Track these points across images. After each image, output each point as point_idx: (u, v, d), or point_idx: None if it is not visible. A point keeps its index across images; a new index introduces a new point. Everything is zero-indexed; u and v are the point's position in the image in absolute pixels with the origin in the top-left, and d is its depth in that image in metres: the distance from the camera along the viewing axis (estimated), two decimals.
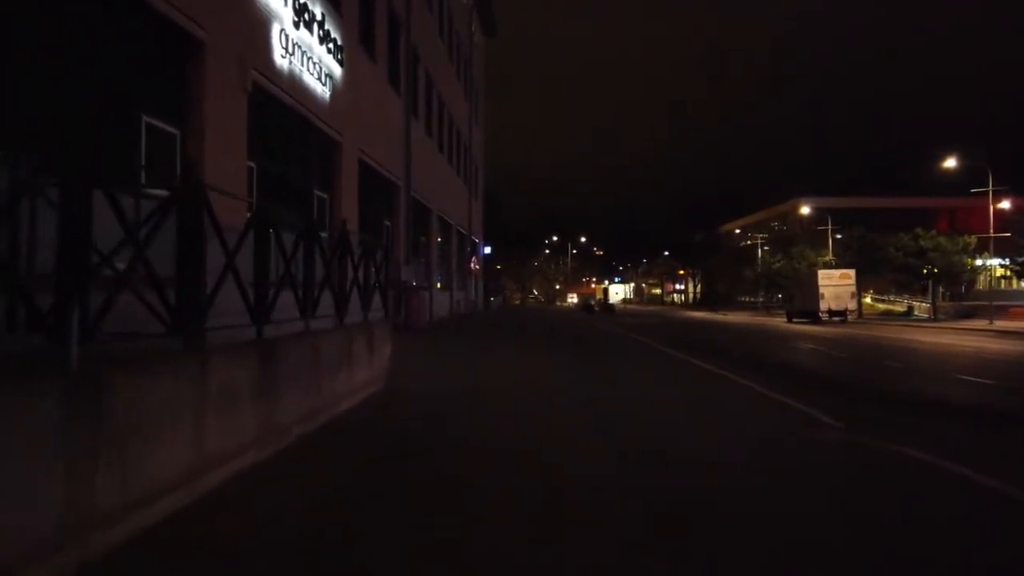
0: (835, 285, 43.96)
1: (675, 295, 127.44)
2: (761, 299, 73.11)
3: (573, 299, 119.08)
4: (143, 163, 8.07)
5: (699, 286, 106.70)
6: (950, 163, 39.59)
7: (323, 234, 9.56)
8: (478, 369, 11.69)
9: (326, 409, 6.69)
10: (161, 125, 8.51)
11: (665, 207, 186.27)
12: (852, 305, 44.16)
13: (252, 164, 10.88)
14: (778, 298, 71.84)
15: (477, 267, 38.61)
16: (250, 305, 5.25)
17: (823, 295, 43.56)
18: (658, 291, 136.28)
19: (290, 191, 12.96)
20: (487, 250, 49.77)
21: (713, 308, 79.02)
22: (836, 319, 42.78)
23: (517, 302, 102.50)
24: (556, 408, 8.11)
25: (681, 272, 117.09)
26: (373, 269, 9.13)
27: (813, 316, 43.49)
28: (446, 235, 32.07)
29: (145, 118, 8.17)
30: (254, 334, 5.37)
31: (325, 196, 14.54)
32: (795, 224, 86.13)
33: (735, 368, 12.79)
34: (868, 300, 57.38)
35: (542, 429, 6.84)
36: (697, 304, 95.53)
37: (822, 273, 44.77)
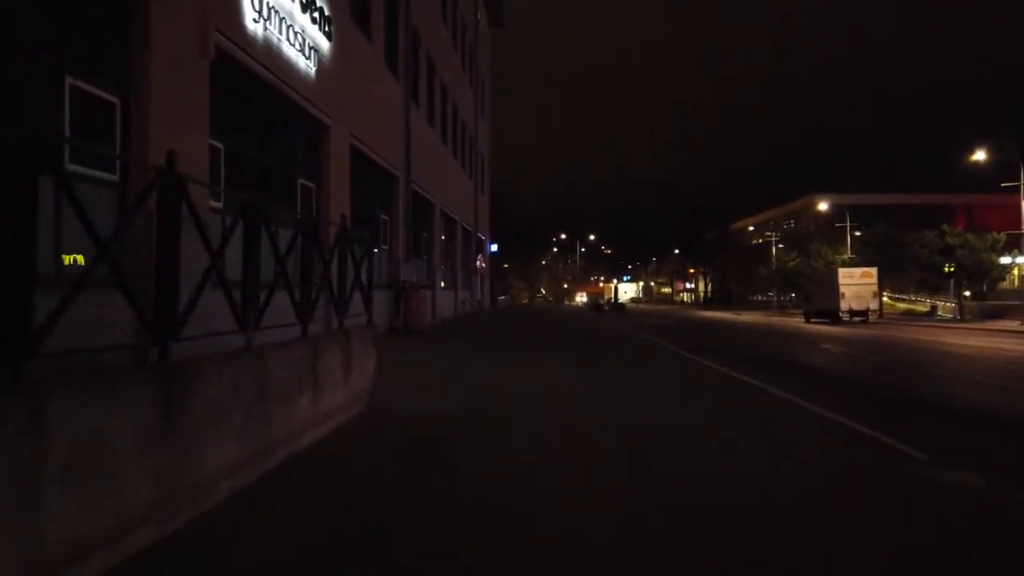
0: (856, 284, 42.19)
1: (684, 294, 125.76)
2: (775, 298, 71.27)
3: (582, 298, 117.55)
4: (66, 135, 6.54)
5: (709, 285, 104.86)
6: (979, 156, 37.82)
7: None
8: (482, 381, 10.15)
9: (280, 446, 5.16)
10: (93, 90, 6.99)
11: (672, 206, 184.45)
12: (874, 305, 42.30)
13: (219, 144, 9.37)
14: (791, 297, 70.18)
15: (483, 265, 37.10)
16: (148, 320, 3.72)
17: (843, 294, 41.82)
18: (667, 290, 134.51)
19: (269, 178, 11.45)
20: (494, 248, 48.25)
21: (725, 307, 77.26)
22: (857, 319, 41.07)
23: (525, 301, 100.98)
24: (579, 440, 6.54)
25: (691, 271, 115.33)
26: (352, 264, 7.59)
27: (832, 316, 41.76)
28: (450, 232, 30.55)
29: (71, 80, 6.65)
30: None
31: (311, 185, 13.01)
32: (808, 221, 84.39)
33: (771, 377, 11.22)
34: (887, 299, 55.47)
35: (565, 475, 5.28)
36: (708, 303, 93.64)
37: (842, 271, 43.00)
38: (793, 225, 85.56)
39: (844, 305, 41.56)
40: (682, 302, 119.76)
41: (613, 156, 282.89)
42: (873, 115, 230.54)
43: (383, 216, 18.48)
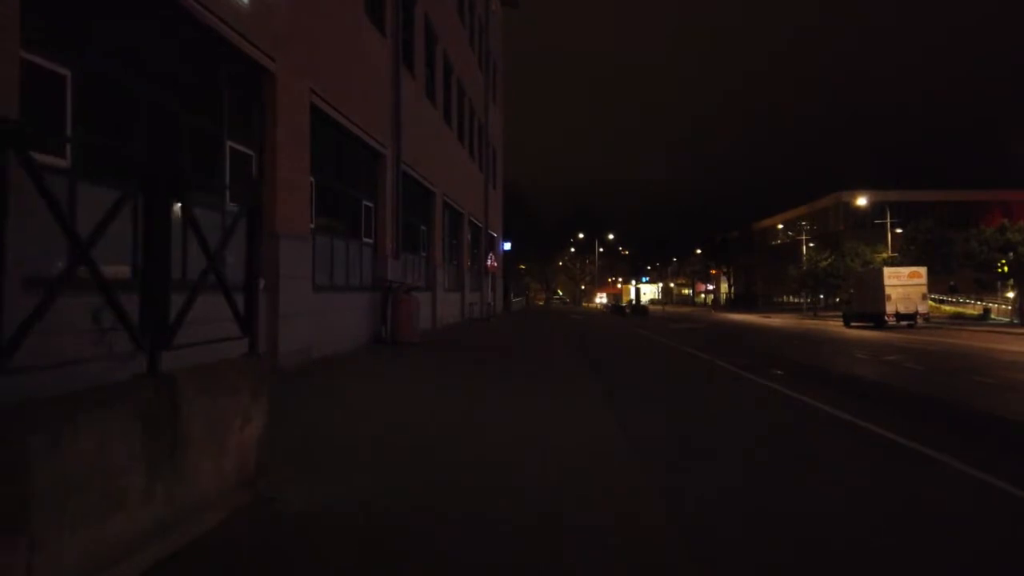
0: (903, 285, 38.49)
1: (704, 295, 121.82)
2: (807, 300, 67.16)
3: (603, 300, 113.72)
4: None
5: (732, 286, 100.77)
6: None
7: None
8: (470, 431, 6.73)
9: None
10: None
11: (691, 207, 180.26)
12: (923, 308, 38.49)
13: (65, 72, 6.09)
14: (821, 299, 66.25)
15: (495, 264, 33.73)
16: None
17: (889, 296, 38.16)
18: (687, 291, 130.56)
19: (178, 135, 8.16)
20: (507, 246, 44.87)
21: (750, 309, 73.29)
22: (904, 324, 37.40)
23: (541, 303, 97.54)
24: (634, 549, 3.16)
25: (712, 272, 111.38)
26: (200, 240, 4.30)
27: (877, 320, 38.09)
28: (456, 226, 27.22)
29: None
30: None
31: (250, 153, 9.73)
32: (837, 220, 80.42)
33: (883, 413, 7.83)
34: (930, 302, 51.37)
35: None
36: (732, 305, 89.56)
37: (888, 271, 39.21)
38: (819, 224, 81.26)
39: (890, 308, 37.96)
40: (704, 304, 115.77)
41: (631, 156, 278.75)
42: (899, 113, 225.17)
43: (365, 202, 15.17)
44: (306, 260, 10.83)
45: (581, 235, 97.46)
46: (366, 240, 15.20)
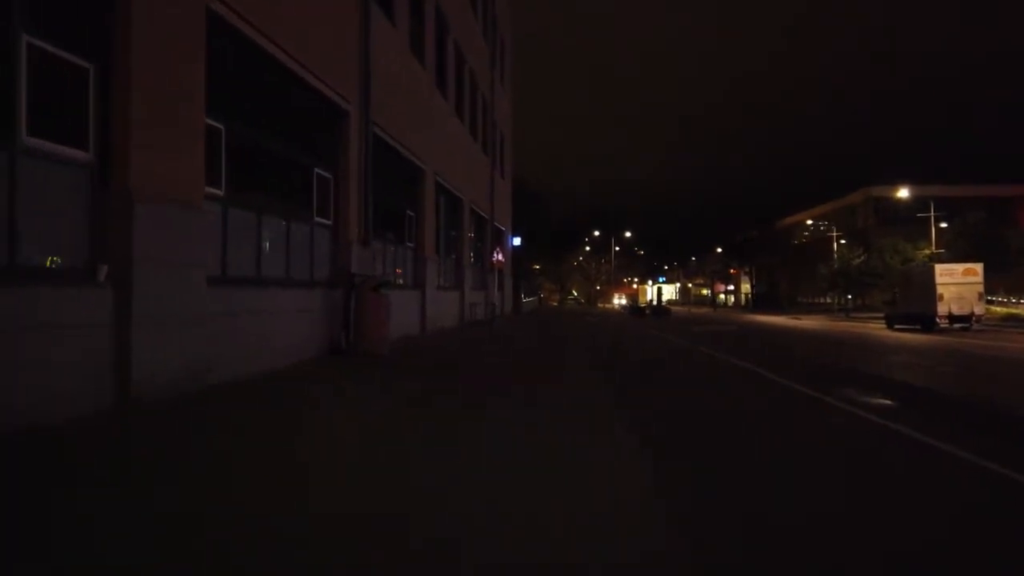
0: (957, 283, 34.59)
1: (724, 295, 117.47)
2: (836, 300, 62.87)
3: (621, 301, 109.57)
4: None
5: (754, 286, 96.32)
6: None
7: None
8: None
9: None
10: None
11: (708, 206, 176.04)
12: (979, 309, 34.49)
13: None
14: (848, 299, 62.10)
15: (502, 260, 30.11)
16: None
17: (942, 296, 34.27)
18: (705, 292, 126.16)
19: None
20: (516, 241, 41.21)
21: (774, 310, 69.01)
22: (958, 326, 33.53)
23: (555, 303, 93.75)
24: None
25: (732, 271, 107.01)
26: None
27: (926, 322, 34.24)
28: (454, 215, 23.67)
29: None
30: None
31: (86, 66, 6.20)
32: (866, 215, 76.38)
33: None
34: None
35: None
36: (754, 306, 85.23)
37: (940, 268, 35.26)
38: (833, 224, 76.84)
39: (942, 309, 34.07)
40: (724, 305, 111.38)
41: (648, 154, 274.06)
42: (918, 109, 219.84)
43: (319, 171, 11.64)
44: (197, 240, 7.29)
45: (597, 233, 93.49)
46: (320, 220, 11.66)
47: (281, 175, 10.42)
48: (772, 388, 9.88)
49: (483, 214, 29.11)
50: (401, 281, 16.76)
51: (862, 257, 56.03)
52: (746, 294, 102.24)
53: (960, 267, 35.43)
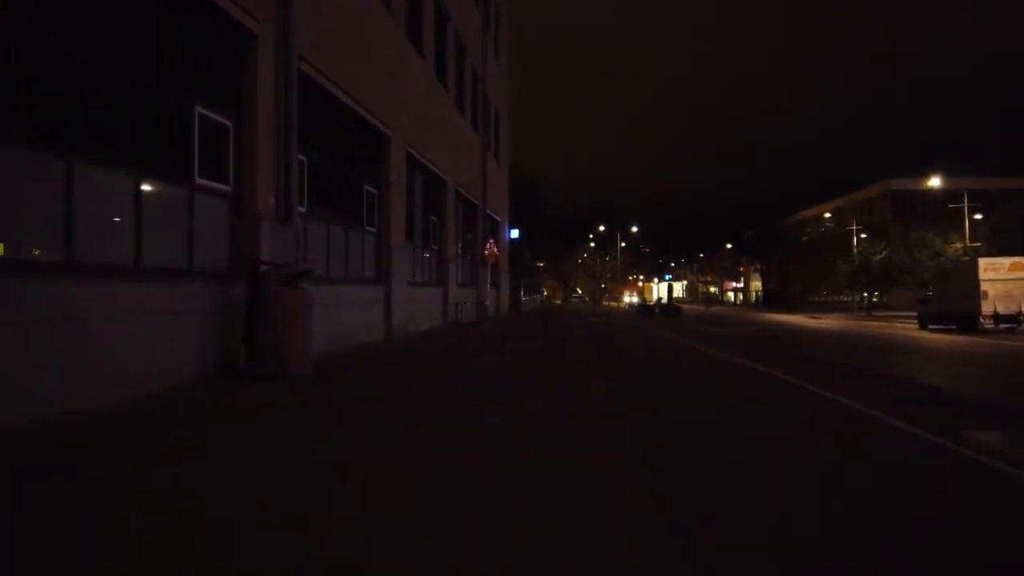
0: (1004, 279, 31.09)
1: (732, 293, 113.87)
2: (857, 298, 59.11)
3: (632, 299, 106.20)
4: None
5: (765, 283, 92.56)
6: None
7: None
8: None
9: None
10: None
11: (714, 204, 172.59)
12: None
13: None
14: (865, 296, 58.50)
15: (495, 252, 26.63)
16: None
17: (986, 293, 30.80)
18: (713, 289, 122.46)
19: None
20: (514, 233, 37.68)
21: (786, 308, 65.24)
22: (1003, 326, 30.06)
23: (559, 302, 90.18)
24: None
25: (741, 268, 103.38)
26: None
27: (966, 321, 30.82)
28: (435, 198, 20.21)
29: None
30: None
31: None
32: (884, 209, 72.89)
33: None
34: None
35: None
36: (766, 304, 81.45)
37: (984, 263, 31.76)
38: (849, 218, 73.22)
39: (987, 308, 30.59)
40: (733, 303, 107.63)
41: (653, 150, 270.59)
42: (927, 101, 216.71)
43: (203, 111, 8.13)
44: None
45: (602, 228, 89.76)
46: (205, 183, 8.17)
47: (137, 119, 6.96)
48: (811, 408, 6.35)
49: (473, 200, 25.64)
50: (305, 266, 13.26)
51: (884, 252, 52.34)
52: (756, 291, 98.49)
53: (1007, 261, 31.87)
